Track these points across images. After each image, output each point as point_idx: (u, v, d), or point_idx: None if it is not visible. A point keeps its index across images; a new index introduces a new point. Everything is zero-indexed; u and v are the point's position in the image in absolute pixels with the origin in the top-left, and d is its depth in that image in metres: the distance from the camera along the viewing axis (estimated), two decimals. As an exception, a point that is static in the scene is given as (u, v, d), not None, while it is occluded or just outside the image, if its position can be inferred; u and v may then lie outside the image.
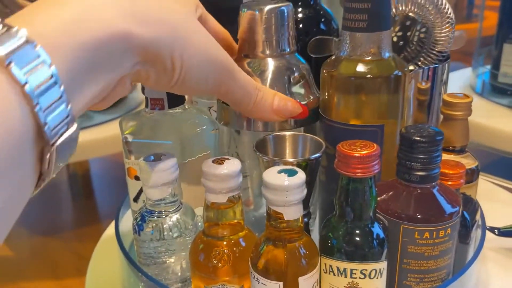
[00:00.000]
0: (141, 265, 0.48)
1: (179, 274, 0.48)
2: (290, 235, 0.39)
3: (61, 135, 0.26)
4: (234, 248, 0.43)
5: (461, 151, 0.53)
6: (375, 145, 0.38)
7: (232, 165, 0.41)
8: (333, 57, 0.47)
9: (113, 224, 0.63)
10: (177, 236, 0.47)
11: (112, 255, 0.57)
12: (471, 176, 0.52)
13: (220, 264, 0.43)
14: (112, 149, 1.00)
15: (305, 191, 0.38)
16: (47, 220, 1.23)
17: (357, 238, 0.39)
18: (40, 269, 1.02)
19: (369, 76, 0.44)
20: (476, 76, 1.16)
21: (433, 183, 0.41)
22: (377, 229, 0.40)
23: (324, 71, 0.46)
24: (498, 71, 1.05)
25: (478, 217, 0.51)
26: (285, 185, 0.37)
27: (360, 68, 0.44)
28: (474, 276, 0.51)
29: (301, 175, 0.38)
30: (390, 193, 0.42)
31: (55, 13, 0.27)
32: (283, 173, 0.38)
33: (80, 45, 0.27)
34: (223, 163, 0.42)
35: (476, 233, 0.51)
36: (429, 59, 0.57)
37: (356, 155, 0.38)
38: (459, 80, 1.21)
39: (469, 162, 0.52)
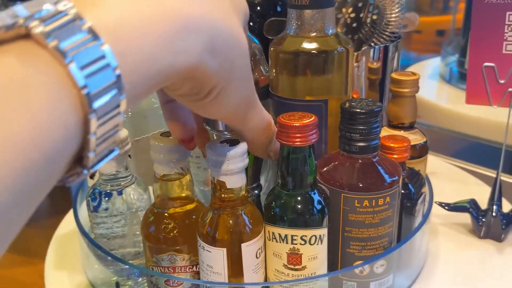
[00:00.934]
0: (97, 241, 0.49)
1: (133, 247, 0.50)
2: (234, 204, 0.41)
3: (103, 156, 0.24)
4: (183, 219, 0.44)
5: (409, 127, 0.54)
6: (313, 115, 0.40)
7: (179, 138, 0.43)
8: (281, 35, 0.48)
9: (71, 211, 0.64)
10: (130, 209, 0.48)
11: (72, 238, 0.58)
12: (420, 151, 0.54)
13: (168, 235, 0.44)
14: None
15: (247, 160, 0.40)
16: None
17: (297, 205, 0.41)
18: (17, 257, 1.02)
19: (312, 52, 0.45)
20: (446, 65, 1.18)
21: (373, 153, 0.43)
22: (317, 197, 0.41)
23: (272, 48, 0.48)
24: (465, 59, 1.07)
25: (425, 190, 0.53)
26: (226, 154, 0.39)
27: (304, 44, 0.46)
28: (422, 247, 0.53)
29: (242, 145, 0.39)
30: (333, 164, 0.44)
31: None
32: (225, 143, 0.39)
33: (156, 72, 0.25)
34: (170, 135, 0.43)
35: (423, 207, 0.52)
36: (382, 39, 0.59)
37: (295, 124, 0.39)
38: (429, 68, 1.24)
39: (417, 138, 0.54)
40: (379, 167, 0.43)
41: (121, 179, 0.47)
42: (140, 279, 0.50)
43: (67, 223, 0.64)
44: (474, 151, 1.04)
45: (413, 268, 0.51)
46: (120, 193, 0.47)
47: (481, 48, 0.51)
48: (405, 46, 2.46)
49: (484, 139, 0.90)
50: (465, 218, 0.59)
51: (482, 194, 0.59)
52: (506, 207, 0.58)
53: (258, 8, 0.60)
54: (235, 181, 0.40)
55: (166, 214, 0.44)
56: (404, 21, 0.61)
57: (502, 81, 0.52)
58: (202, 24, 0.27)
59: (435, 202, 0.59)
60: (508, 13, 0.50)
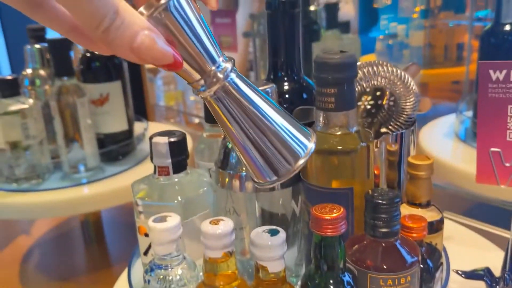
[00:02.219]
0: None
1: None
2: (274, 284, 0.47)
3: None
4: (229, 296, 0.51)
5: (426, 205, 0.61)
6: (342, 208, 0.47)
7: (225, 225, 0.50)
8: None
9: (124, 272, 0.71)
10: (180, 286, 0.54)
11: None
12: (436, 227, 0.60)
13: (217, 310, 0.50)
14: (123, 199, 1.09)
15: (285, 248, 0.47)
16: (62, 266, 1.31)
17: (330, 287, 0.47)
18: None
19: (339, 148, 0.53)
20: (460, 123, 1.24)
21: (395, 237, 0.49)
22: (347, 278, 0.48)
23: (303, 143, 0.55)
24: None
25: (442, 261, 0.58)
26: (268, 244, 0.46)
27: (332, 141, 0.53)
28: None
29: (281, 235, 0.46)
30: (358, 246, 0.50)
31: None
32: (266, 232, 0.46)
33: None
34: (218, 223, 0.50)
35: (441, 275, 0.58)
36: (398, 123, 0.66)
37: (326, 217, 0.46)
38: (444, 126, 1.30)
39: (433, 215, 0.60)
40: (401, 249, 0.49)
41: (174, 258, 0.54)
42: None
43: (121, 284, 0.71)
44: (489, 211, 1.08)
45: (434, 336, 0.56)
46: (173, 270, 0.54)
47: (487, 135, 0.58)
48: (422, 94, 2.51)
49: (497, 200, 0.95)
50: (481, 284, 0.64)
51: (496, 260, 0.64)
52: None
53: (287, 95, 0.68)
54: (276, 265, 0.47)
55: (214, 291, 0.51)
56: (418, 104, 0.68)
57: (507, 164, 0.58)
58: None
59: (452, 270, 0.64)
60: (509, 106, 0.56)
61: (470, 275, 0.64)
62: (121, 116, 1.18)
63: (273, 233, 0.46)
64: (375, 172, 0.65)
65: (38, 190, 1.09)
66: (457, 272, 0.64)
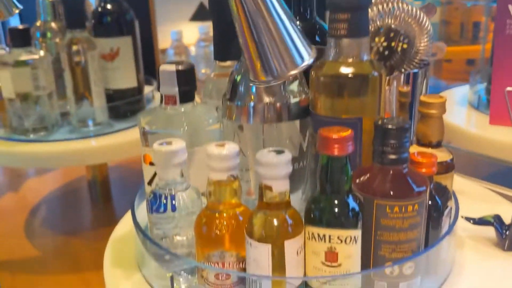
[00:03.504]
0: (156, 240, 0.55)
1: (186, 248, 0.56)
2: (278, 206, 0.47)
3: None
4: (232, 221, 0.50)
5: (437, 146, 0.59)
6: (349, 129, 0.46)
7: (231, 147, 0.49)
8: (320, 60, 0.54)
9: (126, 216, 0.71)
10: (185, 212, 0.54)
11: (127, 240, 0.64)
12: (446, 168, 0.59)
13: (219, 233, 0.50)
14: (131, 153, 1.09)
15: (291, 168, 0.46)
16: (68, 221, 1.32)
17: (335, 208, 0.46)
18: (63, 265, 1.10)
19: (349, 75, 0.51)
20: (474, 93, 1.22)
21: (403, 165, 0.48)
22: (352, 203, 0.47)
23: (312, 73, 0.54)
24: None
25: (451, 204, 0.57)
26: (274, 161, 0.45)
27: (342, 69, 0.52)
28: (449, 256, 0.57)
29: (287, 154, 0.45)
30: (367, 175, 0.49)
31: None
32: (272, 152, 0.46)
33: None
34: (224, 146, 0.49)
35: (449, 220, 0.57)
36: (411, 66, 0.64)
37: (334, 137, 0.45)
38: (458, 95, 1.28)
39: (444, 155, 0.59)
40: (409, 178, 0.48)
41: (178, 184, 0.54)
42: (190, 276, 0.55)
43: (121, 227, 0.71)
44: (504, 174, 1.07)
45: (440, 274, 0.55)
46: (177, 196, 0.54)
47: (503, 74, 0.57)
48: (435, 75, 2.50)
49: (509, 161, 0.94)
50: (491, 232, 0.62)
51: (507, 212, 0.63)
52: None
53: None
54: (281, 186, 0.46)
55: (217, 215, 0.50)
56: (433, 49, 0.67)
57: (523, 105, 0.56)
58: None
59: (461, 216, 0.63)
60: (528, 43, 0.55)
61: (480, 221, 0.62)
62: (131, 73, 1.18)
63: (279, 152, 0.46)
64: (386, 116, 0.64)
65: (46, 140, 1.09)
66: (466, 218, 0.63)
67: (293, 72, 0.44)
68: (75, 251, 1.14)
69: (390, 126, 0.47)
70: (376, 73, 0.52)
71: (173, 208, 0.53)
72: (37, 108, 1.11)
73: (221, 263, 0.50)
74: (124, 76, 1.17)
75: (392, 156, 0.48)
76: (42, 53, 1.11)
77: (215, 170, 0.49)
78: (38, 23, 1.19)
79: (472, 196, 0.76)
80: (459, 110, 1.20)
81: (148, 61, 1.59)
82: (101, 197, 1.40)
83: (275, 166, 0.45)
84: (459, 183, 0.81)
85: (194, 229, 0.52)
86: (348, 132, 0.45)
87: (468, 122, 1.14)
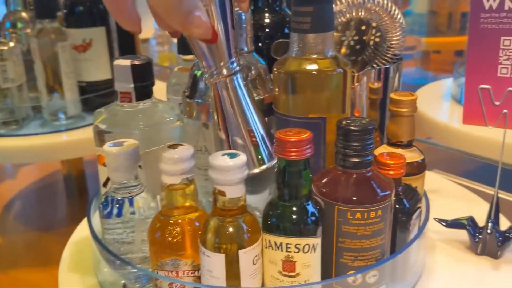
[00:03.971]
0: (107, 245, 0.52)
1: (141, 253, 0.53)
2: (233, 213, 0.44)
3: None
4: (187, 227, 0.47)
5: (408, 146, 0.57)
6: (308, 131, 0.43)
7: (184, 149, 0.46)
8: (284, 56, 0.51)
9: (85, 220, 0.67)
10: (138, 216, 0.51)
11: (87, 244, 0.61)
12: (417, 168, 0.56)
13: (173, 240, 0.47)
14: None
15: (245, 172, 0.43)
16: (42, 217, 1.28)
17: (292, 215, 0.44)
18: (34, 261, 1.07)
19: (312, 72, 0.48)
20: (457, 86, 1.20)
21: (367, 169, 0.45)
22: (311, 208, 0.44)
23: (275, 69, 0.51)
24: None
25: (421, 206, 0.55)
26: (227, 166, 0.42)
27: (305, 65, 0.49)
28: (418, 261, 0.55)
29: (241, 157, 0.42)
30: (328, 178, 0.47)
31: None
32: (226, 156, 0.43)
33: None
34: (177, 147, 0.46)
35: (419, 222, 0.54)
36: (384, 61, 0.61)
37: (292, 139, 0.42)
38: (442, 88, 1.25)
39: (414, 156, 0.56)
40: (372, 182, 0.46)
41: (131, 188, 0.51)
42: (145, 282, 0.53)
43: (82, 229, 0.68)
44: (485, 171, 1.05)
45: (408, 281, 0.53)
46: (130, 201, 0.51)
47: (477, 70, 0.54)
48: (423, 66, 2.47)
49: (490, 159, 0.91)
50: (464, 235, 0.60)
51: (482, 213, 0.60)
52: (505, 225, 0.59)
53: (267, 30, 0.64)
54: (234, 191, 0.43)
55: (171, 221, 0.47)
56: (411, 42, 0.64)
57: (497, 103, 0.54)
58: None
59: (434, 219, 0.61)
60: (502, 38, 0.52)
61: (452, 224, 0.60)
62: (105, 64, 1.14)
63: (233, 156, 0.43)
64: (355, 114, 0.61)
65: (17, 135, 1.06)
66: (438, 220, 0.61)
67: (254, 171, 0.47)
68: (47, 247, 1.11)
69: (352, 127, 0.44)
70: (340, 70, 0.49)
71: (124, 214, 0.50)
72: (6, 101, 1.07)
73: (175, 272, 0.48)
74: (98, 68, 1.13)
75: (355, 159, 0.45)
76: (11, 44, 1.07)
77: (167, 173, 0.46)
78: (8, 13, 1.14)
79: (448, 196, 0.74)
80: (442, 104, 1.18)
81: (128, 52, 1.55)
82: (76, 192, 1.36)
83: (228, 171, 0.42)
84: (436, 182, 0.79)
85: (147, 235, 0.49)
86: (306, 135, 0.42)
87: (450, 116, 1.11)
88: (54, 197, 1.38)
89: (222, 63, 0.45)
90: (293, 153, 0.42)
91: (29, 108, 1.11)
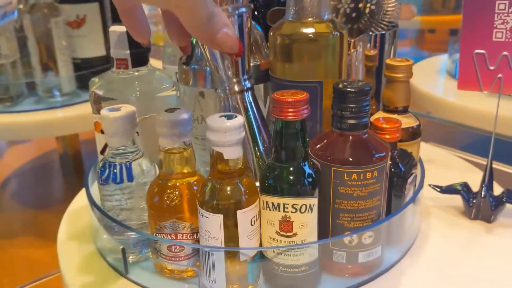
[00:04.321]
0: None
1: (139, 220, 0.53)
2: (231, 175, 0.44)
3: None
4: (185, 190, 0.48)
5: (403, 111, 0.57)
6: (305, 92, 0.43)
7: (182, 112, 0.46)
8: (280, 21, 0.51)
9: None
10: (136, 182, 0.51)
11: (84, 213, 0.61)
12: (413, 134, 0.57)
13: (171, 204, 0.47)
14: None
15: (243, 133, 0.43)
16: (38, 195, 1.29)
17: (289, 176, 0.44)
18: (32, 238, 1.08)
19: (309, 36, 0.48)
20: (452, 62, 1.20)
21: (363, 131, 0.46)
22: (308, 169, 0.44)
23: (271, 33, 0.51)
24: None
25: (416, 172, 0.55)
26: (224, 126, 0.42)
27: (301, 28, 0.49)
28: (414, 224, 0.55)
29: (239, 119, 0.43)
30: (325, 140, 0.47)
31: None
32: (223, 117, 0.43)
33: None
34: (175, 111, 0.46)
35: (414, 188, 0.55)
36: (379, 29, 0.61)
37: (288, 100, 0.42)
38: (437, 65, 1.26)
39: (410, 122, 0.57)
40: (368, 144, 0.46)
41: (129, 153, 0.51)
42: (144, 250, 0.53)
43: (79, 200, 0.68)
44: (481, 144, 1.06)
45: (403, 243, 0.54)
46: (128, 166, 0.51)
47: (472, 35, 0.54)
48: (418, 46, 2.46)
49: (484, 130, 0.92)
50: (458, 201, 0.61)
51: (476, 180, 0.61)
52: (498, 191, 0.60)
53: (262, -3, 0.63)
54: (232, 152, 0.43)
55: (169, 184, 0.48)
56: (403, 11, 0.64)
57: (492, 67, 0.54)
58: None
59: (428, 185, 0.61)
60: (497, 1, 0.52)
61: (446, 189, 0.61)
62: (99, 40, 1.13)
63: (230, 117, 0.43)
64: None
65: (12, 111, 1.05)
66: (433, 187, 0.61)
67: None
68: (45, 225, 1.11)
69: (349, 89, 0.44)
70: (337, 33, 0.49)
71: (122, 179, 0.50)
72: (1, 78, 1.06)
73: (173, 235, 0.48)
74: (92, 45, 1.12)
75: (352, 121, 0.45)
76: (3, 19, 1.06)
77: (164, 136, 0.46)
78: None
79: (443, 165, 0.75)
80: (437, 79, 1.18)
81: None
82: (73, 171, 1.36)
83: (225, 132, 0.42)
84: (431, 152, 0.80)
85: (146, 200, 0.49)
86: (303, 95, 0.42)
87: (445, 91, 1.12)
88: (50, 176, 1.38)
89: (235, 80, 0.48)
90: (290, 114, 0.42)
91: (23, 85, 1.10)
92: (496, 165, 0.95)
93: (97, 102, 0.56)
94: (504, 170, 0.88)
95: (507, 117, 0.92)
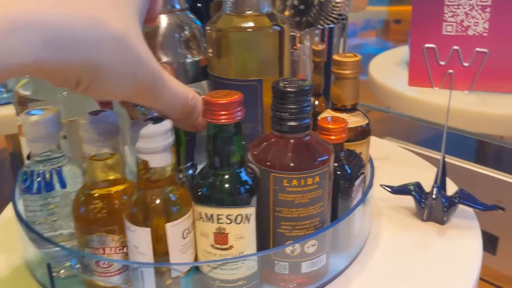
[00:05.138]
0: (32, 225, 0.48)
1: (67, 229, 0.49)
2: (159, 183, 0.40)
3: None
4: (113, 200, 0.44)
5: (352, 110, 0.54)
6: (238, 93, 0.39)
7: (108, 115, 0.42)
8: (217, 14, 0.47)
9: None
10: (62, 190, 0.47)
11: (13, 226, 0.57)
12: (362, 133, 0.54)
13: (97, 216, 0.43)
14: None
15: (171, 139, 0.39)
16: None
17: (223, 184, 0.41)
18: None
19: (246, 30, 0.45)
20: (413, 53, 1.18)
21: (305, 133, 0.43)
22: (244, 176, 0.41)
23: (208, 28, 0.47)
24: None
25: (365, 172, 0.53)
26: (149, 132, 0.38)
27: (238, 22, 0.45)
28: (364, 228, 0.53)
29: (165, 123, 0.39)
30: (264, 144, 0.44)
31: None
32: (148, 121, 0.39)
33: None
34: (99, 114, 0.42)
35: (363, 186, 0.52)
36: (328, 22, 0.58)
37: (220, 102, 0.38)
38: (397, 56, 1.24)
39: (358, 120, 0.54)
40: (310, 147, 0.43)
41: (54, 159, 0.47)
42: (74, 262, 0.49)
43: (11, 207, 0.63)
44: (439, 138, 1.05)
45: (352, 249, 0.51)
46: (52, 173, 0.46)
47: (422, 29, 0.51)
48: (383, 36, 2.45)
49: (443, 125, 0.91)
50: (411, 201, 0.59)
51: (431, 179, 0.59)
52: (453, 190, 0.58)
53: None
54: (159, 160, 0.39)
55: (96, 194, 0.44)
56: (353, 2, 0.61)
57: (442, 63, 0.51)
58: (35, 21, 0.26)
59: (380, 185, 0.59)
60: (447, -6, 0.49)
61: (398, 190, 0.58)
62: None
63: (156, 121, 0.39)
64: (300, 78, 0.58)
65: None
66: (384, 187, 0.59)
67: None
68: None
69: (288, 89, 0.41)
70: (277, 27, 0.45)
71: (47, 188, 0.46)
72: None
73: (101, 249, 0.44)
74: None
75: (292, 123, 0.42)
76: None
77: (88, 142, 0.42)
78: None
79: (398, 162, 0.73)
80: (398, 71, 1.16)
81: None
82: (23, 170, 1.30)
83: (151, 138, 0.38)
84: (387, 149, 0.78)
85: (72, 210, 0.45)
86: (237, 96, 0.39)
87: (405, 84, 1.10)
88: (0, 176, 1.31)
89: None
90: (223, 117, 0.39)
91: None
92: (453, 160, 0.94)
93: (22, 104, 0.51)
94: (461, 165, 0.87)
95: (464, 110, 0.92)
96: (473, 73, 0.51)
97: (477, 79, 0.51)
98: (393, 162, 0.72)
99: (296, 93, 0.41)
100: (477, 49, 0.50)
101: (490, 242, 0.89)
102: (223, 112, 0.39)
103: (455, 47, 0.50)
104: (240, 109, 0.39)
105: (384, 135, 1.01)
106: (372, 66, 1.17)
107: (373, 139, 0.80)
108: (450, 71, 0.51)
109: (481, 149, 1.04)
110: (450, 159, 0.91)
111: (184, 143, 0.49)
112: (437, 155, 0.94)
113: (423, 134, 1.08)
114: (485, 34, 0.49)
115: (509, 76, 0.49)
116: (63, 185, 0.47)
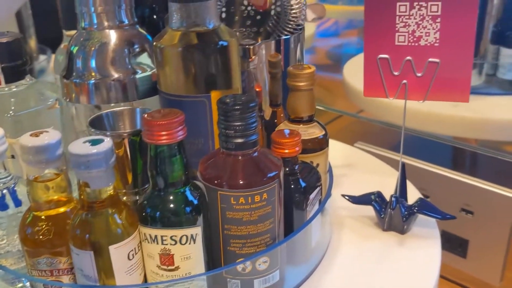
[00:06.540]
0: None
1: (17, 249, 0.48)
2: (102, 205, 0.40)
3: None
4: (59, 221, 0.43)
5: (308, 121, 0.54)
6: (180, 112, 0.39)
7: (50, 136, 0.41)
8: (163, 30, 0.47)
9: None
10: (7, 212, 0.46)
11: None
12: (319, 144, 0.54)
13: (43, 238, 0.42)
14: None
15: (112, 160, 0.38)
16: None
17: (166, 205, 0.40)
18: None
19: (191, 46, 0.44)
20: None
21: (253, 149, 0.42)
22: (189, 196, 0.40)
23: (154, 43, 0.46)
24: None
25: (322, 183, 0.52)
26: (86, 154, 0.37)
27: (182, 38, 0.44)
28: (324, 239, 0.52)
29: (105, 144, 0.38)
30: (211, 161, 0.43)
31: None
32: (87, 143, 0.38)
33: None
34: (39, 135, 0.41)
35: (320, 198, 0.52)
36: (286, 32, 0.58)
37: (159, 122, 0.38)
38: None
39: (315, 132, 0.53)
40: (258, 163, 0.42)
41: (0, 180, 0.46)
42: (25, 281, 0.48)
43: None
44: (410, 143, 1.05)
45: (310, 261, 0.51)
46: (10, 191, 0.46)
47: (375, 40, 0.51)
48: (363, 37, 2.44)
49: (411, 129, 0.91)
50: (373, 210, 0.58)
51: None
52: (416, 195, 0.58)
53: (162, 0, 0.58)
54: (99, 181, 0.38)
55: (42, 216, 0.43)
56: (312, 11, 0.60)
57: (396, 73, 0.51)
58: None
59: (341, 195, 0.59)
60: (398, 3, 0.49)
61: (359, 200, 0.58)
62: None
63: (95, 142, 0.38)
64: (256, 89, 0.58)
65: None
66: (346, 197, 0.59)
67: None
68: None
69: (232, 106, 0.40)
70: (223, 43, 0.45)
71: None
72: None
73: (49, 271, 0.43)
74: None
75: (238, 140, 0.41)
76: None
77: (30, 164, 0.41)
78: None
79: (365, 170, 0.72)
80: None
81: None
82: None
83: (89, 160, 0.37)
84: (354, 156, 0.77)
85: (18, 233, 0.44)
86: (176, 116, 0.38)
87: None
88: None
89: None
90: (163, 137, 0.38)
91: None
92: (419, 164, 0.94)
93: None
94: (432, 170, 0.87)
95: (436, 113, 0.92)
96: (427, 83, 0.50)
97: (431, 89, 0.50)
98: (360, 169, 0.72)
99: (240, 110, 0.40)
100: (430, 59, 0.49)
101: (460, 246, 0.89)
102: (163, 133, 0.38)
103: (408, 57, 0.50)
104: (181, 128, 0.39)
105: (356, 140, 1.01)
106: (347, 68, 1.17)
107: (341, 146, 0.80)
108: (404, 81, 0.51)
109: (456, 155, 1.04)
110: (420, 164, 0.91)
111: (141, 165, 0.48)
112: (410, 161, 0.94)
113: (396, 139, 1.08)
114: (436, 45, 0.49)
115: (460, 85, 0.49)
116: (8, 206, 0.46)
